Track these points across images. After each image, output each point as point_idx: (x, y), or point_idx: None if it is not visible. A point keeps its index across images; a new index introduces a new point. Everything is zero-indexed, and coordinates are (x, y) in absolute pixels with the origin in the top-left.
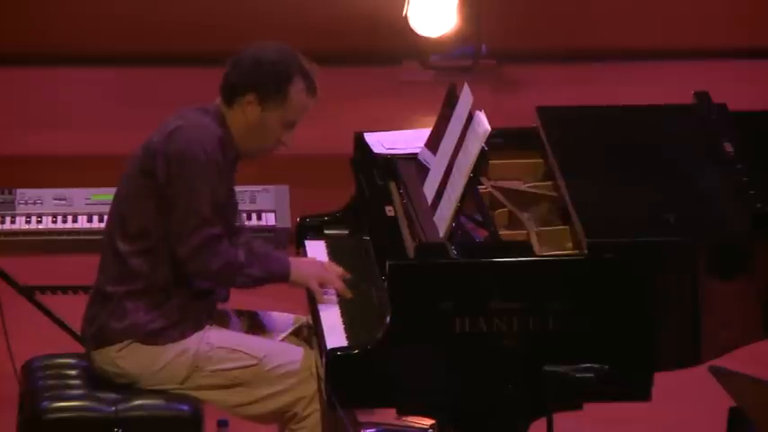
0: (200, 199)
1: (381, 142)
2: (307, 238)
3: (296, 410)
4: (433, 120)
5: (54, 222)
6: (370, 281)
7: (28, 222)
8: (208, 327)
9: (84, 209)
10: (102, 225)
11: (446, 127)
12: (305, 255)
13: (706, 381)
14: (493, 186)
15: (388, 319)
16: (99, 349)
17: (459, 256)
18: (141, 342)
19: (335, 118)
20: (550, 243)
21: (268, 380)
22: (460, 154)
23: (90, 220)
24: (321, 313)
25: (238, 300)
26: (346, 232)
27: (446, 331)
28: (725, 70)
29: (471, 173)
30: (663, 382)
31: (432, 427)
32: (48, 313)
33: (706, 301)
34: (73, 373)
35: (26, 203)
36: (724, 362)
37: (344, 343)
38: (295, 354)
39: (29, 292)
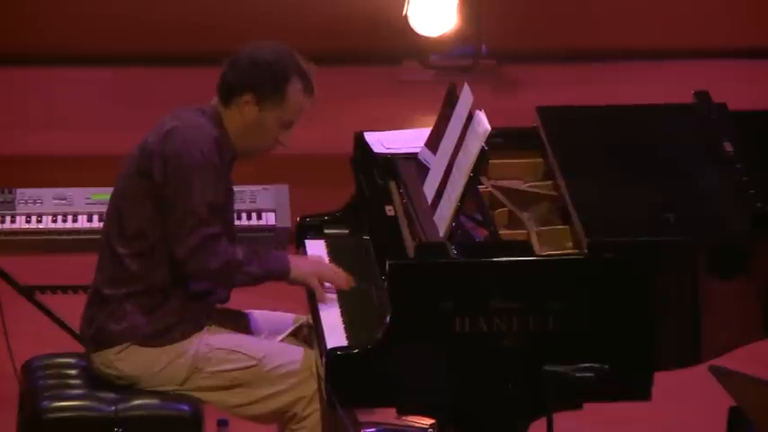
0: (196, 199)
1: (381, 142)
2: (307, 238)
3: (296, 410)
4: (432, 119)
5: (54, 222)
6: (370, 280)
7: (28, 222)
8: (207, 328)
9: (83, 208)
10: (102, 225)
11: (446, 126)
12: (305, 254)
13: (706, 381)
14: (493, 186)
15: (388, 318)
16: (98, 351)
17: (459, 256)
18: (140, 344)
19: (335, 118)
20: (550, 243)
21: (268, 380)
22: (460, 153)
23: (90, 220)
24: (321, 313)
25: (238, 300)
26: (346, 232)
27: (446, 331)
28: (725, 70)
29: (471, 172)
30: (663, 381)
31: (432, 426)
32: (48, 313)
33: (706, 300)
34: (73, 372)
35: (26, 203)
36: (724, 361)
37: (344, 343)
38: (295, 354)
39: (29, 292)
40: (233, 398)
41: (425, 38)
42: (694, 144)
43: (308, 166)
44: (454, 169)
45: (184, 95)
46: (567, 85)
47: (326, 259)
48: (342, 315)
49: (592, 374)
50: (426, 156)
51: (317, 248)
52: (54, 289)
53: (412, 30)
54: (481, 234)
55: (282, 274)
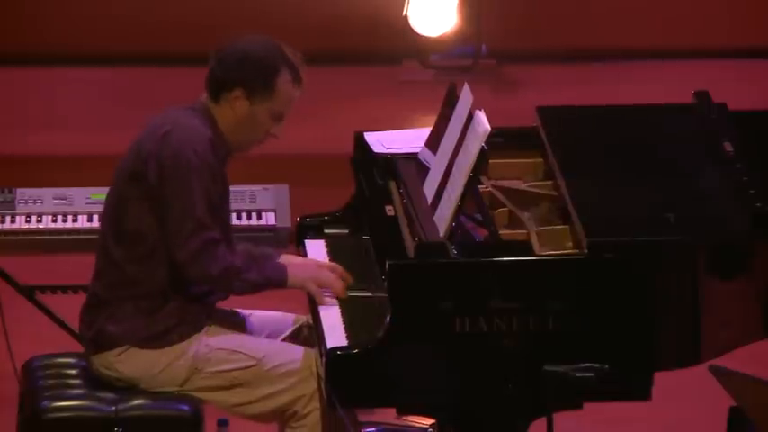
0: (195, 203)
1: (381, 142)
2: (307, 238)
3: (296, 409)
4: (432, 119)
5: (54, 222)
6: (370, 280)
7: (28, 222)
8: (207, 328)
9: (84, 208)
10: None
11: (446, 126)
12: (305, 254)
13: (706, 380)
14: (493, 186)
15: (387, 318)
16: (97, 354)
17: (459, 256)
18: (140, 346)
19: (335, 118)
20: (550, 243)
21: (268, 379)
22: (460, 153)
23: (90, 220)
24: (321, 313)
25: (239, 300)
26: (346, 232)
27: (446, 331)
28: (725, 70)
29: (471, 172)
30: (663, 381)
31: (432, 426)
32: (48, 313)
33: (706, 300)
34: (73, 372)
35: (26, 203)
36: (724, 361)
37: (344, 343)
38: (295, 353)
39: (29, 292)
40: (233, 397)
41: (425, 38)
42: (694, 144)
43: (308, 166)
44: (454, 169)
45: (184, 95)
46: (567, 85)
47: (326, 259)
48: (342, 315)
49: (592, 374)
50: (426, 156)
51: (316, 248)
52: (54, 289)
53: (412, 30)
54: (481, 234)
55: (280, 282)
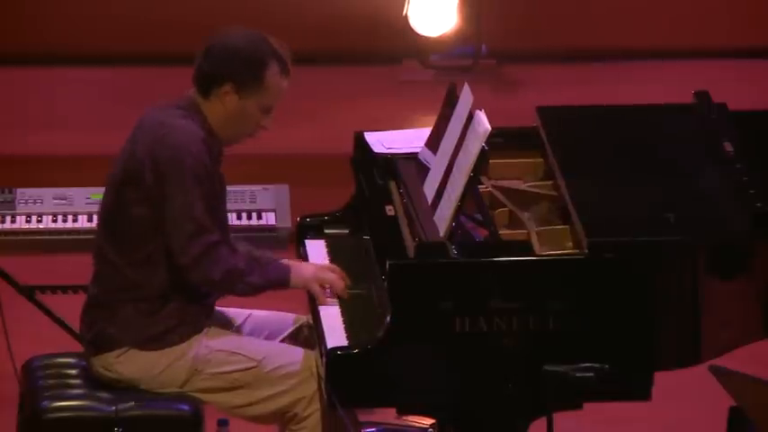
0: (194, 205)
1: (381, 142)
2: (307, 238)
3: (296, 411)
4: (433, 119)
5: (54, 222)
6: (370, 280)
7: (28, 222)
8: (207, 329)
9: (84, 208)
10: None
11: (446, 126)
12: (305, 254)
13: (706, 380)
14: (493, 186)
15: (388, 318)
16: (97, 355)
17: (459, 256)
18: (140, 348)
19: (335, 118)
20: (550, 243)
21: (268, 381)
22: (461, 153)
23: (90, 220)
24: (321, 313)
25: (239, 300)
26: (346, 232)
27: (446, 331)
28: (725, 70)
29: (471, 172)
30: (663, 381)
31: (432, 426)
32: (48, 313)
33: (706, 300)
34: (73, 372)
35: (26, 203)
36: (724, 361)
37: (345, 343)
38: (295, 354)
39: (29, 292)
40: (233, 399)
41: (425, 38)
42: (694, 144)
43: (308, 166)
44: (454, 169)
45: None
46: (567, 85)
47: (326, 260)
48: (342, 315)
49: (592, 374)
50: (426, 156)
51: (316, 248)
52: (54, 289)
53: (412, 30)
54: (481, 234)
55: (283, 283)
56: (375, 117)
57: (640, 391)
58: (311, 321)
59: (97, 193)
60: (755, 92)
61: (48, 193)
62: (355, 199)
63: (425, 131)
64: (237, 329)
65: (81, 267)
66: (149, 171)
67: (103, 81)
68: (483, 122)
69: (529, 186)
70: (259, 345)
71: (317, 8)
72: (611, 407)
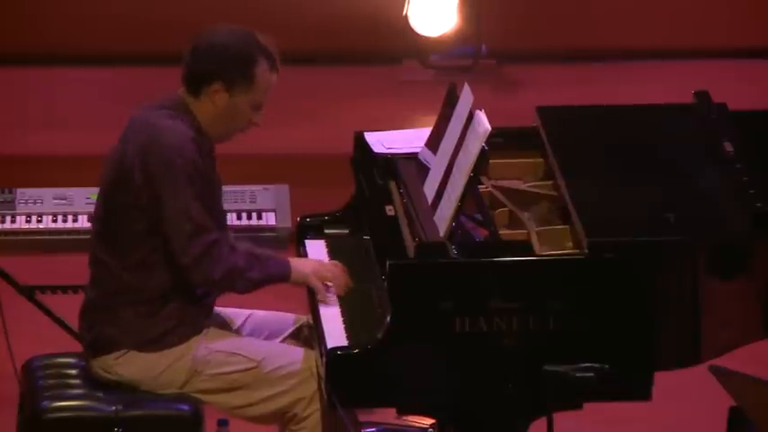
0: (189, 206)
1: (381, 142)
2: (307, 238)
3: (296, 411)
4: (433, 119)
5: (54, 222)
6: (370, 280)
7: (28, 222)
8: (206, 330)
9: (83, 208)
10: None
11: (446, 126)
12: (305, 254)
13: (706, 380)
14: (493, 186)
15: (388, 318)
16: (97, 357)
17: (459, 256)
18: (139, 350)
19: (335, 118)
20: (550, 243)
21: (268, 382)
22: (461, 153)
23: (90, 220)
24: (321, 313)
25: (239, 299)
26: (346, 232)
27: (446, 331)
28: (725, 70)
29: (471, 172)
30: (663, 381)
31: (432, 426)
32: (48, 313)
33: (706, 300)
34: (73, 372)
35: (26, 203)
36: (724, 361)
37: (345, 343)
38: (295, 355)
39: (29, 292)
40: (233, 400)
41: (425, 38)
42: (694, 144)
43: (308, 166)
44: (454, 169)
45: None
46: (567, 85)
47: (327, 260)
48: (342, 315)
49: (592, 374)
50: (426, 156)
51: (317, 248)
52: (54, 289)
53: (412, 30)
54: (481, 234)
55: (283, 277)
56: (375, 117)
57: (640, 391)
58: (311, 321)
59: (97, 193)
60: (755, 92)
61: (48, 193)
62: (355, 199)
63: (425, 131)
64: (238, 330)
65: (81, 267)
66: (140, 176)
67: (103, 81)
68: (483, 122)
69: (529, 186)
70: (259, 345)
71: (317, 8)
72: (611, 407)
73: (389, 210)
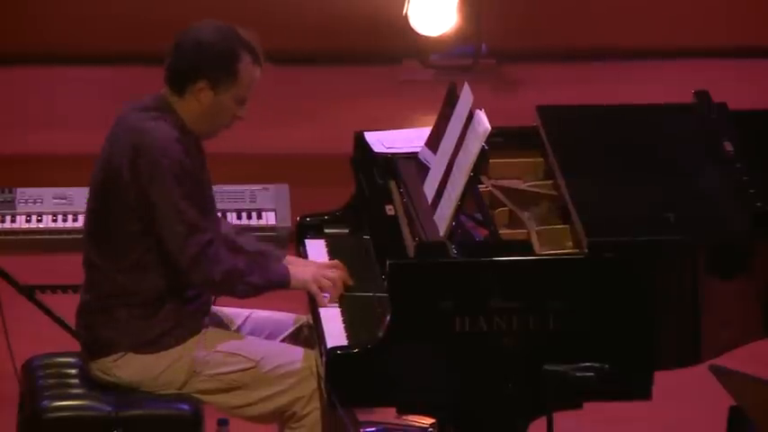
0: (181, 207)
1: (381, 141)
2: (307, 238)
3: (295, 409)
4: (433, 119)
5: (54, 221)
6: (370, 280)
7: (28, 221)
8: (205, 330)
9: (83, 208)
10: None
11: (446, 126)
12: (305, 254)
13: (706, 380)
14: (493, 185)
15: (388, 318)
16: (95, 360)
17: (459, 256)
18: (136, 352)
19: (335, 117)
20: (551, 242)
21: (266, 381)
22: (461, 153)
23: None
24: (321, 313)
25: (239, 300)
26: (346, 231)
27: (446, 330)
28: (725, 70)
29: (471, 172)
30: (663, 381)
31: (432, 426)
32: (48, 312)
33: (706, 300)
34: (73, 372)
35: (26, 202)
36: (724, 361)
37: (345, 342)
38: (295, 354)
39: (29, 292)
40: (233, 400)
41: (425, 37)
42: (694, 144)
43: (308, 166)
44: (454, 169)
45: None
46: (567, 85)
47: (326, 259)
48: (342, 315)
49: (592, 374)
50: (426, 155)
51: (316, 248)
52: (54, 289)
53: (412, 29)
54: (481, 234)
55: (282, 284)
56: (375, 117)
57: (640, 391)
58: (311, 321)
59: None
60: (755, 92)
61: (48, 192)
62: (355, 199)
63: (425, 131)
64: (237, 330)
65: (81, 267)
66: (127, 180)
67: (103, 81)
68: (483, 122)
69: (529, 186)
70: (258, 345)
71: (317, 8)
72: (611, 407)
73: (389, 209)
